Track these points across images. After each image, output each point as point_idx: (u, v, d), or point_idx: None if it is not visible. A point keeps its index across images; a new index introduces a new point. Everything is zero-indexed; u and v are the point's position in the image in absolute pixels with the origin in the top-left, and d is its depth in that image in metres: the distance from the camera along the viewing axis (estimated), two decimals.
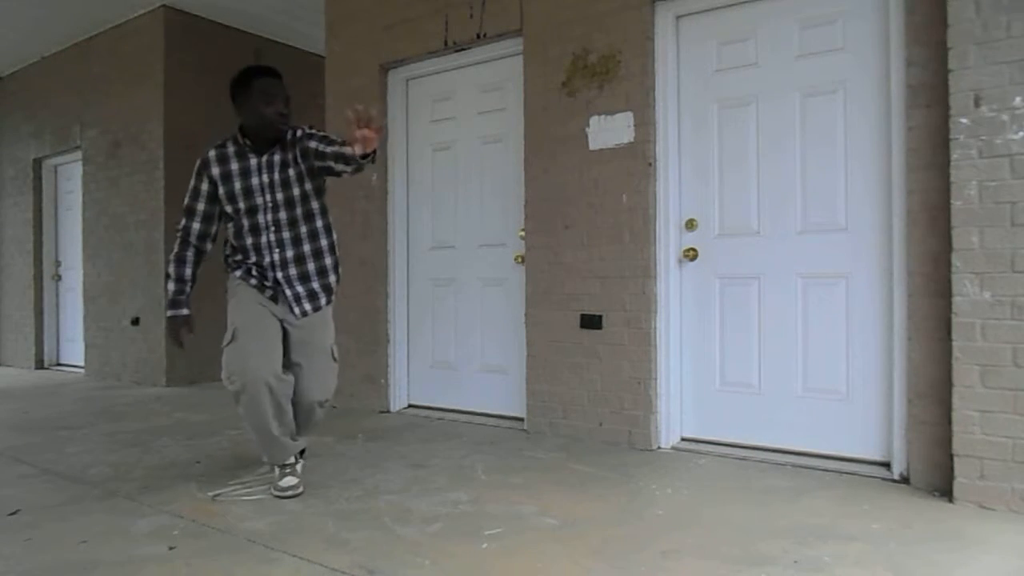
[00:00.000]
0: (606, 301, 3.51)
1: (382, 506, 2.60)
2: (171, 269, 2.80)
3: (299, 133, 2.79)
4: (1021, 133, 2.42)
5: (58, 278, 7.22)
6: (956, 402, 2.52)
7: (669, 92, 3.43)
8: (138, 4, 5.76)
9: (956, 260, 2.53)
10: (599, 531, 2.33)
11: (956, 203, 2.53)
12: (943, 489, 2.61)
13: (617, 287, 3.47)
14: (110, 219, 6.23)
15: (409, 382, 4.50)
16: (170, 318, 2.77)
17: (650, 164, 3.39)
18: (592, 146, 3.55)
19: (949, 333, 2.57)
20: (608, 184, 3.49)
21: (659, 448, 3.38)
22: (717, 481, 2.87)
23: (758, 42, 3.24)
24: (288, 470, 2.77)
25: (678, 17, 3.44)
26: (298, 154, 2.75)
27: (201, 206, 2.80)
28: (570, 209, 3.63)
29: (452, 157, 4.31)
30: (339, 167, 2.64)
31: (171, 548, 2.22)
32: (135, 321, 5.96)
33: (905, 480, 2.77)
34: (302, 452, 2.90)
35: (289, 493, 2.70)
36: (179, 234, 2.83)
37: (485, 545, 2.22)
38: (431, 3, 4.17)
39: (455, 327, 4.31)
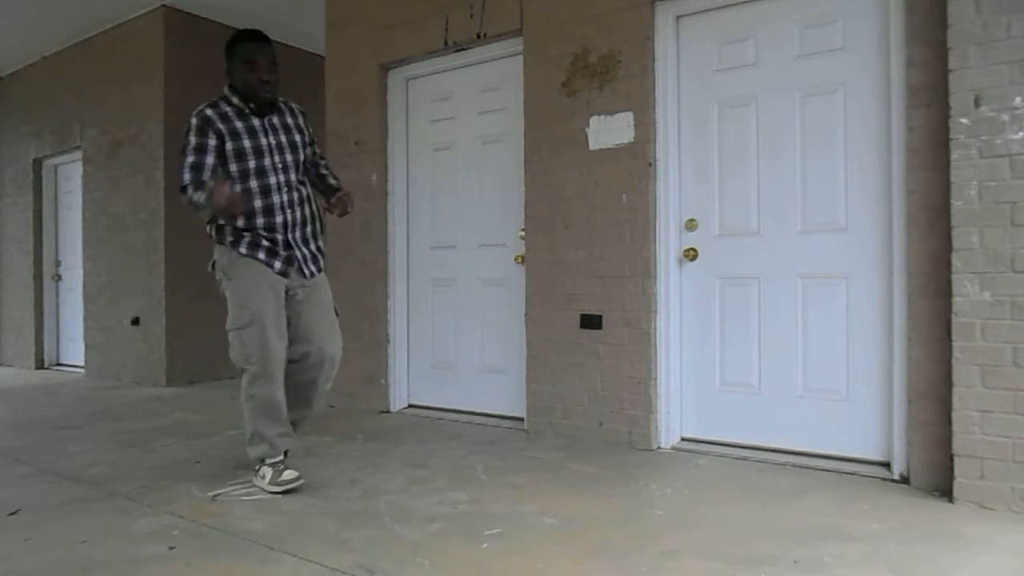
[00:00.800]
0: (606, 301, 3.51)
1: (382, 506, 2.60)
2: (193, 190, 2.64)
3: (295, 107, 2.97)
4: (1021, 133, 2.42)
5: (58, 278, 7.21)
6: (956, 402, 2.52)
7: (669, 92, 3.43)
8: (138, 4, 5.76)
9: (956, 260, 2.53)
10: (599, 531, 2.33)
11: (956, 203, 2.53)
12: (943, 489, 2.61)
13: (617, 287, 3.47)
14: (110, 219, 6.23)
15: (409, 382, 4.49)
16: (210, 191, 2.57)
17: (650, 164, 3.39)
18: (592, 146, 3.55)
19: (949, 333, 2.57)
20: (608, 184, 3.49)
21: (659, 448, 3.38)
22: (717, 481, 2.87)
23: (758, 42, 3.24)
24: (282, 465, 2.78)
25: (678, 17, 3.44)
26: (303, 126, 2.91)
27: (210, 160, 2.70)
28: (570, 209, 3.62)
29: (452, 157, 4.31)
30: (314, 180, 3.00)
31: (171, 548, 2.22)
32: (135, 321, 5.96)
33: (905, 480, 2.77)
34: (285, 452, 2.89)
35: (293, 485, 2.71)
36: (189, 186, 2.65)
37: (485, 545, 2.22)
38: (431, 3, 4.17)
39: (455, 327, 4.31)
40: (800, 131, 3.14)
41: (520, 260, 3.93)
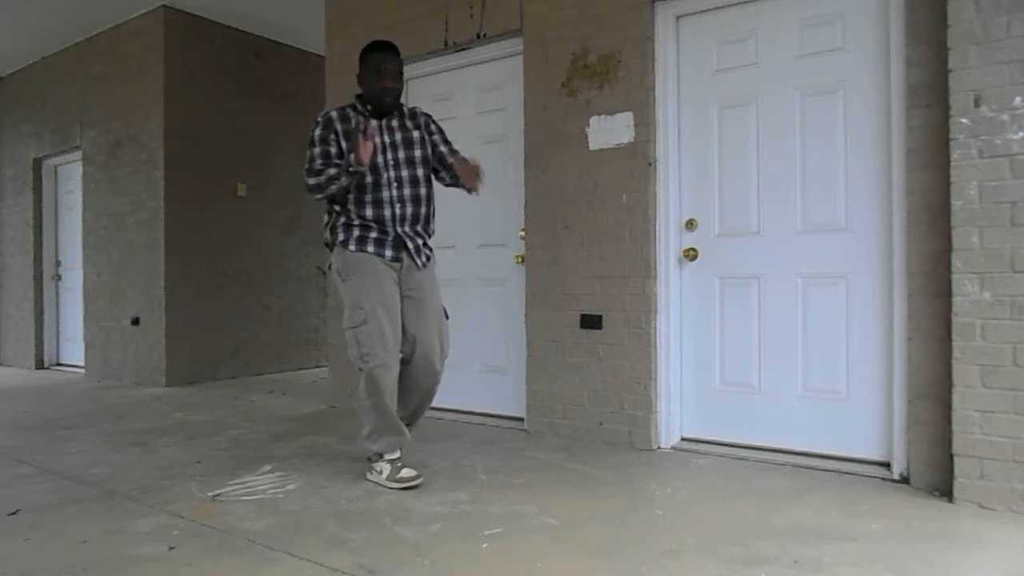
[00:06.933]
0: (606, 301, 3.51)
1: (382, 506, 2.60)
2: (313, 180, 2.79)
3: (418, 110, 3.04)
4: (1021, 133, 2.42)
5: (58, 278, 7.22)
6: (956, 402, 2.52)
7: (669, 92, 3.43)
8: (138, 4, 5.76)
9: (956, 260, 2.53)
10: (599, 531, 2.33)
11: (956, 203, 2.53)
12: (943, 489, 2.61)
13: (617, 287, 3.47)
14: (110, 219, 6.23)
15: None
16: (349, 173, 2.72)
17: (650, 164, 3.39)
18: (592, 146, 3.55)
19: (949, 333, 2.57)
20: (608, 184, 3.49)
21: (659, 448, 3.38)
22: (717, 481, 2.87)
23: (758, 42, 3.24)
24: (400, 462, 2.83)
25: (678, 17, 3.44)
26: (422, 125, 2.98)
27: (334, 149, 2.85)
28: (570, 209, 3.62)
29: None
30: (440, 171, 3.03)
31: (171, 548, 2.22)
32: (135, 321, 5.96)
33: (905, 480, 2.77)
34: None
35: (413, 483, 2.77)
36: (312, 175, 2.80)
37: (485, 545, 2.22)
38: (431, 3, 4.17)
39: (455, 327, 4.27)
40: (800, 131, 3.14)
41: (520, 260, 3.92)
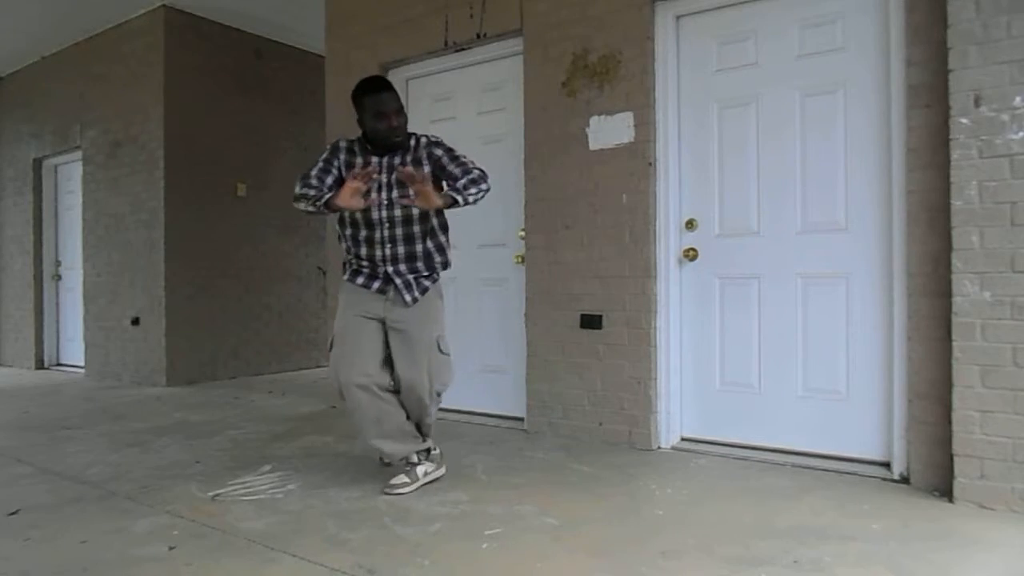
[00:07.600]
0: (606, 301, 3.51)
1: (382, 506, 2.60)
2: (300, 188, 2.74)
3: (423, 140, 2.89)
4: (1021, 133, 2.42)
5: (58, 278, 7.22)
6: (956, 402, 2.52)
7: (669, 92, 3.43)
8: (138, 4, 5.76)
9: (956, 260, 2.53)
10: (599, 531, 2.33)
11: (956, 203, 2.53)
12: (943, 489, 2.61)
13: (617, 287, 3.47)
14: (110, 219, 6.23)
15: None
16: (316, 205, 2.66)
17: (650, 164, 3.39)
18: (592, 146, 3.55)
19: (949, 333, 2.57)
20: (608, 184, 3.49)
21: (659, 448, 3.38)
22: (717, 481, 2.87)
23: (758, 42, 3.24)
24: (405, 465, 2.84)
25: (678, 17, 3.44)
26: (424, 157, 2.83)
27: (333, 171, 2.82)
28: (570, 209, 3.63)
29: None
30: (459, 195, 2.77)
31: (171, 548, 2.22)
32: (135, 321, 5.96)
33: (905, 480, 2.77)
34: (427, 452, 2.91)
35: (395, 492, 2.76)
36: (302, 175, 2.80)
37: (485, 545, 2.22)
38: (431, 3, 4.17)
39: (455, 327, 4.29)
40: (800, 131, 3.14)
41: (520, 260, 3.92)
